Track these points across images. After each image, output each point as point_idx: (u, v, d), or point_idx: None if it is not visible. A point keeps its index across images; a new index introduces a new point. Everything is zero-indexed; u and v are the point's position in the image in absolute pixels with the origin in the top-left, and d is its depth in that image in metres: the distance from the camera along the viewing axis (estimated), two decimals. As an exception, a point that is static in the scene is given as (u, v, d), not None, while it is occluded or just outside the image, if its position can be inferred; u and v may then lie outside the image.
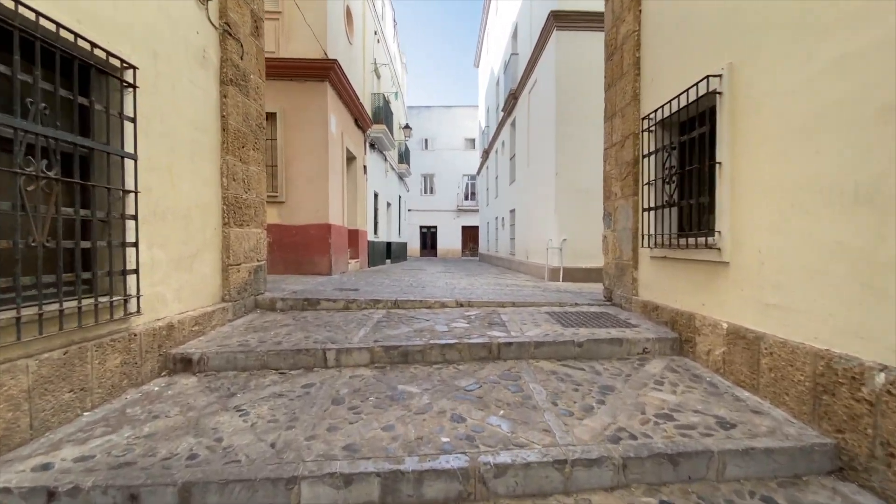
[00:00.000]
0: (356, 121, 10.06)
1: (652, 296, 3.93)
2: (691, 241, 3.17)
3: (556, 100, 8.03)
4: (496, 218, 17.52)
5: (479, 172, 24.83)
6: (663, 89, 3.71)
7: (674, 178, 3.44)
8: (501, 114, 15.16)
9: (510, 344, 3.17)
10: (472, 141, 32.24)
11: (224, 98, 3.84)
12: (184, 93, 3.31)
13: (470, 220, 31.73)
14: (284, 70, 7.33)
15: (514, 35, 13.42)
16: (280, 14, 7.42)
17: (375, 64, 12.69)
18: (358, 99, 9.39)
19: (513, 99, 12.65)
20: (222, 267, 3.84)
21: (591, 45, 8.02)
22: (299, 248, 7.42)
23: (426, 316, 4.14)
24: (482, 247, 23.64)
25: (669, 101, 3.43)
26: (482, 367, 3.00)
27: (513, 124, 13.62)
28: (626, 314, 4.20)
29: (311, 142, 7.46)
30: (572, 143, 7.99)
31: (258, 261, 4.47)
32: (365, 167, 11.24)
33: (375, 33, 12.93)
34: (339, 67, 7.59)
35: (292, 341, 3.22)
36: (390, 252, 16.23)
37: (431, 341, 3.15)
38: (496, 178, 17.67)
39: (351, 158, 10.07)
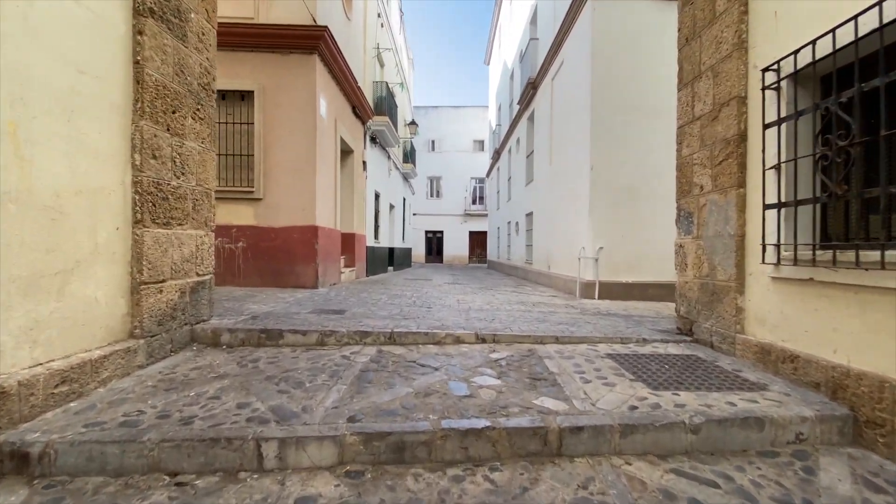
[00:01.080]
0: (354, 109, 8.88)
1: (778, 337, 2.63)
2: (891, 256, 1.89)
3: (591, 81, 6.78)
4: (509, 223, 16.24)
5: (488, 175, 23.61)
6: (805, 22, 2.44)
7: (846, 153, 2.14)
8: (517, 107, 13.94)
9: (579, 430, 1.88)
10: (482, 142, 31.10)
11: (140, 36, 2.63)
12: (53, 11, 2.10)
13: (478, 226, 30.47)
14: (264, 39, 6.16)
15: (533, 20, 12.23)
16: (262, -25, 6.28)
17: (378, 49, 11.54)
18: (356, 83, 8.22)
19: (531, 89, 11.43)
20: (130, 286, 2.60)
21: (634, 13, 6.79)
22: (279, 254, 6.20)
23: (434, 359, 2.87)
24: (491, 253, 22.35)
25: (832, 31, 2.16)
26: (536, 476, 1.72)
27: (530, 118, 12.39)
28: (729, 360, 2.90)
29: (295, 127, 6.27)
30: (610, 133, 6.73)
31: (199, 275, 3.23)
32: (364, 163, 10.05)
33: (379, 16, 11.80)
34: (331, 37, 6.41)
35: (215, 415, 1.97)
36: (393, 259, 15.00)
37: (445, 424, 1.88)
38: (509, 179, 16.42)
39: (347, 151, 8.87)
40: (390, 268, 14.57)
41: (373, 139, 11.14)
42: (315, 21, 6.24)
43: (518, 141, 14.31)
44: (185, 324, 3.08)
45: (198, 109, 3.21)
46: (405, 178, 18.39)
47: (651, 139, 6.77)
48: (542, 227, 10.38)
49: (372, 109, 10.14)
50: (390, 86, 12.86)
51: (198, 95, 3.21)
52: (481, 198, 30.77)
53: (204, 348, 3.09)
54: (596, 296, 6.61)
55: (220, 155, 6.36)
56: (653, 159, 6.76)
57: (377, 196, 12.26)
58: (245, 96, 6.33)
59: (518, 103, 13.25)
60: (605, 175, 6.76)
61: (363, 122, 9.98)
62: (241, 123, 6.33)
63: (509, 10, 17.25)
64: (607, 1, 6.76)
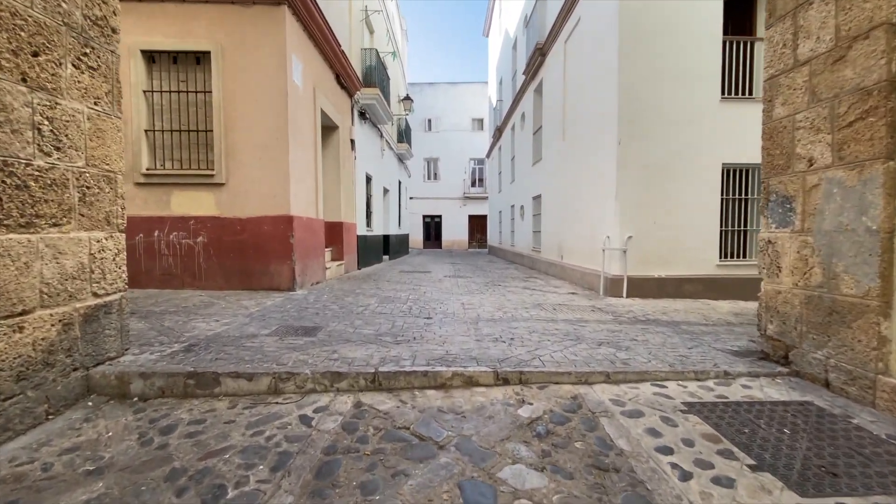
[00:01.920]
0: (338, 78, 7.78)
1: (972, 392, 1.72)
2: None
3: (619, 39, 5.74)
4: (512, 206, 15.26)
5: (489, 155, 22.49)
6: None
7: None
8: (521, 79, 12.79)
9: None
10: (481, 121, 29.80)
11: (-50, -80, 1.62)
12: None
13: (477, 209, 29.45)
14: (221, -13, 5.07)
15: (540, -23, 10.99)
16: None
17: (366, 12, 10.32)
18: (338, 46, 7.12)
19: (539, 56, 10.29)
20: (-43, 327, 1.67)
21: (671, -46, 5.69)
22: (247, 251, 5.25)
23: (437, 423, 1.96)
24: (492, 239, 21.43)
25: None
26: None
27: (538, 90, 11.28)
28: (870, 416, 2.01)
29: (263, 95, 5.23)
30: (641, 102, 5.72)
31: (98, 295, 2.29)
32: (352, 142, 8.99)
33: (366, -27, 10.54)
34: None
35: None
36: (388, 247, 14.05)
37: None
38: (512, 158, 15.36)
39: (330, 127, 7.81)
40: (385, 257, 13.63)
41: (362, 115, 10.03)
42: (283, -37, 5.12)
43: (523, 116, 13.21)
44: (76, 368, 2.15)
45: (85, 54, 2.21)
46: (400, 159, 17.28)
47: (685, 108, 5.76)
48: (553, 212, 9.42)
49: (360, 80, 9.03)
50: (381, 55, 11.68)
51: (84, 34, 2.21)
52: (481, 180, 29.66)
53: (104, 404, 2.16)
54: (624, 293, 5.70)
55: (173, 131, 5.33)
56: (687, 132, 5.77)
57: (368, 179, 11.22)
58: (201, 59, 5.27)
59: (523, 73, 12.11)
60: (634, 151, 5.77)
61: (350, 95, 8.88)
62: (197, 92, 5.28)
63: (511, -28, 15.87)
64: (639, -62, 5.65)
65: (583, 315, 4.38)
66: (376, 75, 10.22)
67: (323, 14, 6.17)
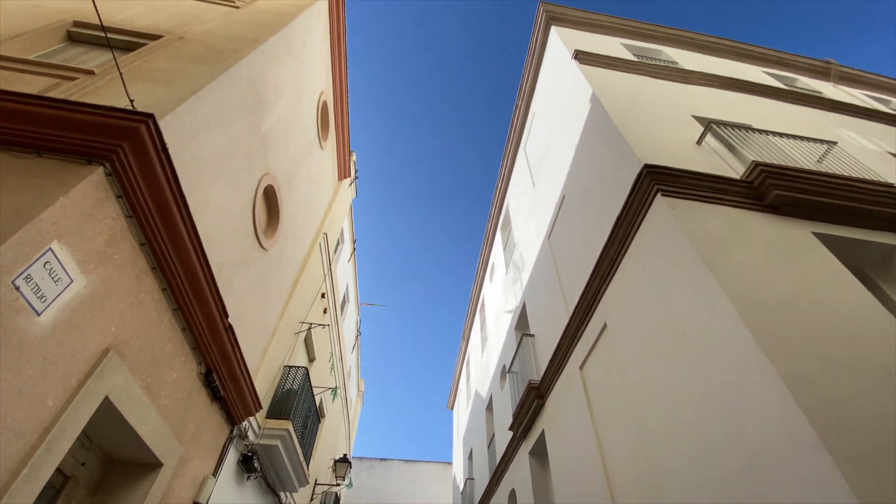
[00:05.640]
0: (209, 373, 4.45)
1: None
2: None
3: (743, 324, 3.20)
4: None
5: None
6: None
7: None
8: (507, 438, 9.48)
9: None
10: (443, 510, 23.58)
11: None
12: None
13: None
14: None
15: (521, 321, 9.99)
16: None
17: (309, 326, 8.15)
18: (225, 317, 4.29)
19: (536, 399, 7.50)
20: None
21: (734, 220, 4.13)
22: None
23: None
24: None
25: None
26: None
27: (536, 452, 7.84)
28: None
29: None
30: (846, 403, 2.53)
31: None
32: (198, 510, 4.52)
33: (323, 296, 9.22)
34: (157, 137, 2.98)
35: None
36: None
37: None
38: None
39: (146, 465, 3.72)
40: None
41: (246, 460, 5.85)
42: (133, 105, 2.97)
43: (513, 496, 8.98)
44: None
45: None
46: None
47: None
48: None
49: (258, 400, 5.58)
50: (315, 391, 8.77)
51: None
52: None
53: None
54: None
55: None
56: None
57: None
58: None
59: (510, 429, 8.96)
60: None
61: (232, 419, 5.21)
62: None
63: (480, 337, 15.79)
64: (682, 202, 4.22)
65: None
66: (298, 406, 6.87)
67: (196, 235, 3.68)
